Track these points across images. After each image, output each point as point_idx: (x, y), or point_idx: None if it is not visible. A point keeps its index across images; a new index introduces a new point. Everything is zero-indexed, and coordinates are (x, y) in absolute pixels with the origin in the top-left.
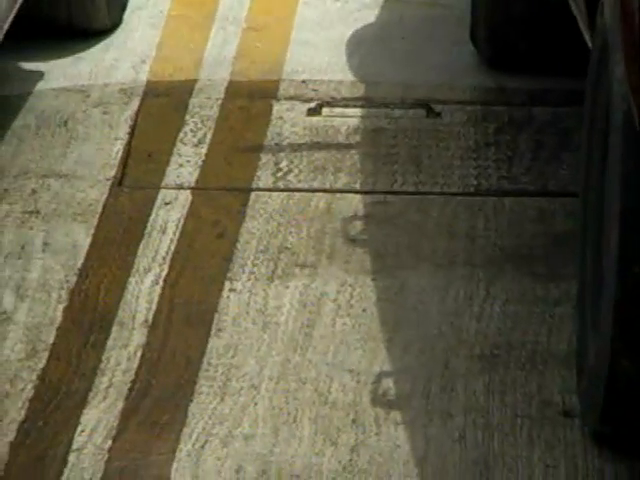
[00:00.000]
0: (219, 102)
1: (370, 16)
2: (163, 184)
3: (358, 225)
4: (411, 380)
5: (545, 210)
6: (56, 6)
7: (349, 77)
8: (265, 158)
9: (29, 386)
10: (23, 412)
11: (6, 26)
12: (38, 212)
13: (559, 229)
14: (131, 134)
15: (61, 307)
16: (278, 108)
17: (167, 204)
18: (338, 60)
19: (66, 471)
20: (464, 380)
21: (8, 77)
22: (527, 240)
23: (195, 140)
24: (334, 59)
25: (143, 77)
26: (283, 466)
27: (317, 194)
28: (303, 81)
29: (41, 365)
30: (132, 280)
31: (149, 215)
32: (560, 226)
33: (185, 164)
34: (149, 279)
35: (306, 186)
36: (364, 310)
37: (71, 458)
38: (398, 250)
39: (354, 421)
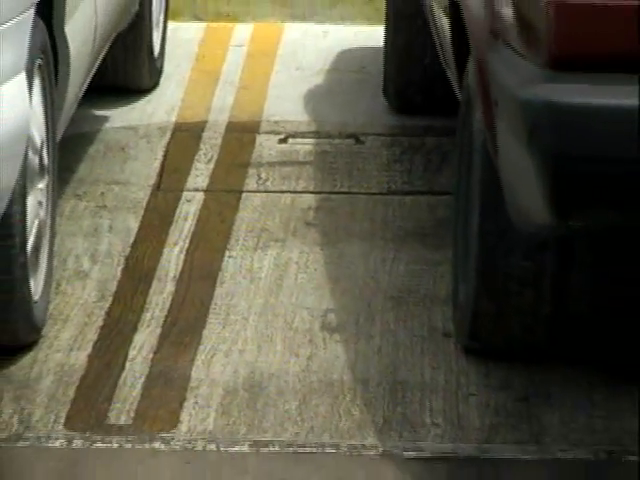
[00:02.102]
0: (222, 135)
1: (319, 80)
2: (185, 188)
3: (312, 214)
4: (346, 314)
5: (432, 204)
6: (115, 74)
7: (306, 118)
8: (251, 171)
9: (100, 319)
10: (96, 335)
11: (84, 88)
12: (105, 206)
13: (441, 215)
14: (165, 156)
15: (120, 268)
16: (260, 139)
17: (188, 201)
18: (298, 108)
19: (124, 373)
20: (381, 314)
21: (86, 120)
22: (421, 223)
23: (206, 159)
24: (296, 107)
25: (172, 119)
26: (264, 369)
27: (285, 194)
28: (276, 121)
29: (107, 305)
30: (165, 250)
31: (176, 208)
32: (441, 214)
33: (200, 175)
34: (176, 249)
35: (278, 189)
36: (315, 269)
37: (127, 365)
38: (337, 230)
39: (310, 341)
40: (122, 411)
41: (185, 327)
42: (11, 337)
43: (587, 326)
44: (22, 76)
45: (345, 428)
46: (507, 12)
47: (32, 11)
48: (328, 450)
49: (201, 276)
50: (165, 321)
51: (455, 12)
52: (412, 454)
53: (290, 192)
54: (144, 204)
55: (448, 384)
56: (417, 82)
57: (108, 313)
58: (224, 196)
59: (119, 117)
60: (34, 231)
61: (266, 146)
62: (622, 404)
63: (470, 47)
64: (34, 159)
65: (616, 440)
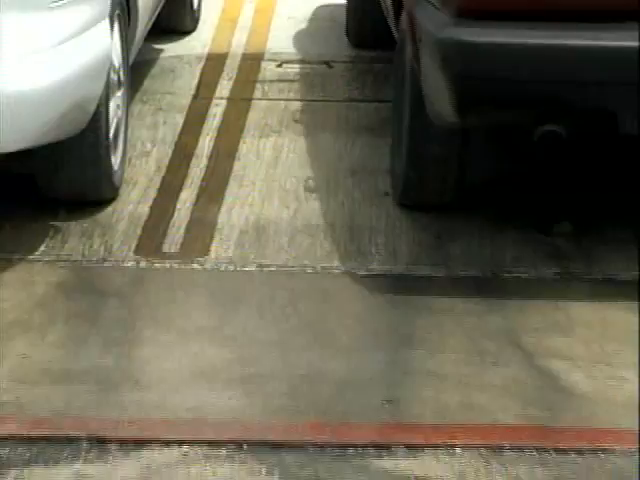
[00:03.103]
0: (238, 62)
1: (304, 26)
2: (214, 97)
3: (298, 114)
4: (321, 180)
5: (379, 108)
6: (168, 21)
7: (294, 51)
8: (258, 86)
9: (157, 183)
10: (155, 194)
11: (147, 30)
12: (161, 109)
13: (384, 116)
14: (201, 76)
15: (170, 150)
16: (263, 64)
17: (216, 106)
18: (290, 44)
19: (173, 219)
20: (343, 181)
21: (148, 51)
22: (371, 120)
23: (228, 78)
24: (288, 43)
25: (206, 51)
26: (266, 217)
27: (281, 101)
28: (274, 53)
29: (162, 174)
30: (201, 138)
31: (208, 110)
32: (384, 115)
33: (224, 88)
34: (208, 137)
35: (276, 97)
36: (301, 151)
37: (175, 213)
38: (316, 125)
39: (296, 198)
40: (172, 243)
41: (214, 189)
42: (98, 195)
43: (480, 189)
44: (106, 21)
45: (319, 256)
46: None
47: None
48: (308, 270)
49: (225, 155)
50: (200, 185)
51: None
52: (363, 272)
53: (284, 100)
54: (187, 107)
55: (387, 227)
56: (368, 27)
57: (163, 179)
58: (240, 102)
59: (170, 49)
60: (114, 124)
61: (268, 69)
62: (502, 238)
63: (403, 4)
64: (114, 76)
65: (497, 263)
